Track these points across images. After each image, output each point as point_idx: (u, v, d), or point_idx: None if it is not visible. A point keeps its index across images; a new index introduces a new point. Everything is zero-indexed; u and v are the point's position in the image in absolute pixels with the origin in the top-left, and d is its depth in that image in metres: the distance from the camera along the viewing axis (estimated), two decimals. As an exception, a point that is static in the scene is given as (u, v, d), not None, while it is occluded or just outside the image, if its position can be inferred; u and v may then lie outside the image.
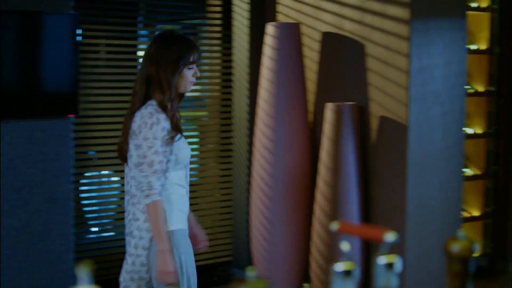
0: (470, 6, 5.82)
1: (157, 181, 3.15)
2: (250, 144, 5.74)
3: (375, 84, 5.11)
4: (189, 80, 3.29)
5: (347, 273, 1.47)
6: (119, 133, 3.52)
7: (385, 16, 5.05)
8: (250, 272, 1.34)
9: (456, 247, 1.65)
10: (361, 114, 5.15)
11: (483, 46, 6.01)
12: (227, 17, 5.94)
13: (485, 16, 6.00)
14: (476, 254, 5.89)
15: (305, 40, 5.52)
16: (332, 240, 4.93)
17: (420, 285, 5.09)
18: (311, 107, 5.50)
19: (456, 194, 5.30)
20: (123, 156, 3.32)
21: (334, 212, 4.95)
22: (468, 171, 6.02)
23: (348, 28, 5.25)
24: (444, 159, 5.19)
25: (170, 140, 3.19)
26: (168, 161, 3.20)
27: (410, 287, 5.02)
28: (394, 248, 1.55)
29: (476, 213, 6.11)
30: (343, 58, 5.30)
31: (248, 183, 5.74)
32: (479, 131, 6.03)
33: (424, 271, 5.09)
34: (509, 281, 6.02)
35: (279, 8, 5.73)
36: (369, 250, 5.11)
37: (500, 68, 6.03)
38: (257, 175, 5.32)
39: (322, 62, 5.44)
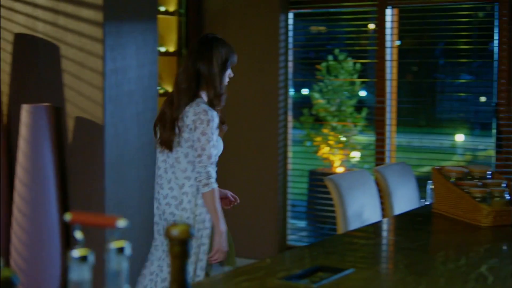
0: (159, 10, 6.09)
1: (214, 171, 3.51)
2: None
3: (70, 85, 5.16)
4: (227, 80, 3.64)
5: (82, 258, 1.57)
6: None
7: (79, 18, 5.12)
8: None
9: (175, 231, 1.81)
10: (58, 115, 5.18)
11: (172, 48, 6.32)
12: None
13: (173, 20, 6.32)
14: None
15: (-3, 41, 5.42)
16: (31, 242, 4.91)
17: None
18: (5, 109, 5.40)
19: (152, 190, 5.52)
20: (168, 144, 3.58)
21: (33, 213, 4.93)
22: (161, 168, 6.28)
23: (42, 30, 5.24)
24: (139, 158, 5.40)
25: (220, 133, 3.61)
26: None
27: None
28: (91, 244, 1.69)
29: (169, 208, 6.40)
30: (38, 59, 5.28)
31: None
32: (170, 129, 6.32)
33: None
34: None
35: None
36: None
37: (187, 70, 6.38)
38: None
39: (15, 64, 5.37)
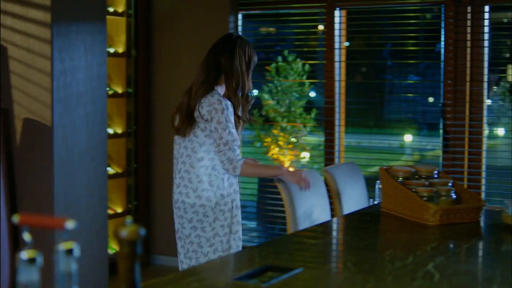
0: (108, 11, 6.06)
1: (233, 153, 3.66)
2: None
3: (18, 86, 5.10)
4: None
5: (31, 260, 1.57)
6: None
7: (26, 19, 5.07)
8: None
9: (124, 232, 1.81)
10: (5, 116, 5.11)
11: (121, 49, 6.28)
12: None
13: (122, 21, 6.28)
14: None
15: None
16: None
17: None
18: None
19: (101, 192, 5.49)
20: (183, 132, 3.77)
21: (-19, 217, 4.87)
22: (110, 170, 6.25)
23: (-12, 30, 5.18)
24: (89, 159, 5.36)
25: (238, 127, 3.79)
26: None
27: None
28: (40, 246, 1.69)
29: (119, 209, 6.37)
30: (-16, 60, 5.21)
31: None
32: (119, 131, 6.29)
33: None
34: (153, 272, 6.36)
35: None
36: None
37: (137, 70, 6.36)
38: None
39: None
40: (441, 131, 5.62)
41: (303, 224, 4.06)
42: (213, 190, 3.71)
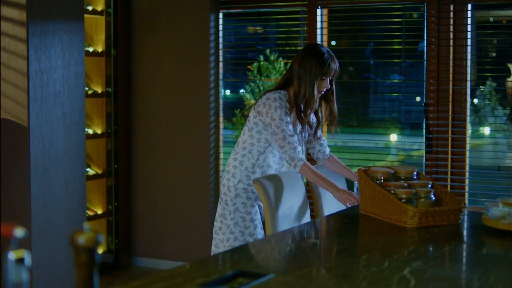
0: (87, 9, 5.97)
1: (294, 151, 3.89)
2: None
3: (-7, 86, 5.01)
4: (320, 89, 4.03)
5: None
6: None
7: (1, 17, 4.97)
8: None
9: (82, 239, 1.73)
10: (-20, 117, 5.02)
11: (100, 48, 6.19)
12: None
13: (101, 19, 6.19)
14: (101, 250, 6.06)
15: None
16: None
17: (49, 277, 5.13)
18: None
19: (79, 193, 5.40)
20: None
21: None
22: (90, 171, 6.16)
23: (-37, 29, 5.08)
24: (67, 160, 5.27)
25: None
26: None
27: (38, 280, 5.05)
28: (21, 246, 1.59)
29: (100, 210, 6.28)
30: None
31: None
32: (99, 131, 6.20)
33: (51, 264, 5.14)
34: (133, 274, 6.28)
35: None
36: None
37: (116, 70, 6.26)
38: None
39: None
40: (423, 131, 5.57)
41: (282, 226, 3.99)
42: None
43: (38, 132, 5.03)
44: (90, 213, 6.14)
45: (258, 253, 2.89)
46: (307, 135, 4.23)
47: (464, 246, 3.14)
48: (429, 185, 3.44)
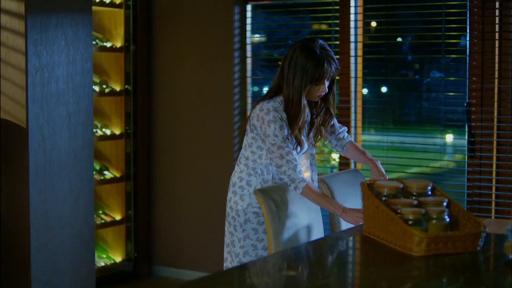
0: (104, 2, 5.59)
1: (293, 171, 3.45)
2: None
3: (-11, 84, 4.68)
4: (315, 95, 3.54)
5: None
6: None
7: (1, 10, 4.64)
8: None
9: None
10: (-25, 117, 4.69)
11: (119, 43, 5.80)
12: None
13: (120, 13, 5.79)
14: (120, 258, 5.71)
15: None
16: None
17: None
18: None
19: (87, 199, 5.04)
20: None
21: None
22: (108, 174, 5.78)
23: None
24: (72, 164, 4.90)
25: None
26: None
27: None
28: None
29: (118, 216, 5.90)
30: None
31: None
32: (117, 131, 5.81)
33: (51, 271, 4.79)
34: (153, 284, 5.91)
35: None
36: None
37: (136, 67, 5.87)
38: None
39: None
40: (465, 133, 5.02)
41: (287, 244, 3.53)
42: None
43: (38, 133, 4.67)
44: (108, 219, 5.77)
45: (238, 282, 2.41)
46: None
47: (479, 281, 2.58)
48: (445, 203, 2.90)
